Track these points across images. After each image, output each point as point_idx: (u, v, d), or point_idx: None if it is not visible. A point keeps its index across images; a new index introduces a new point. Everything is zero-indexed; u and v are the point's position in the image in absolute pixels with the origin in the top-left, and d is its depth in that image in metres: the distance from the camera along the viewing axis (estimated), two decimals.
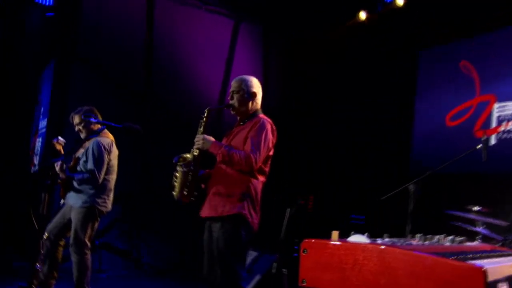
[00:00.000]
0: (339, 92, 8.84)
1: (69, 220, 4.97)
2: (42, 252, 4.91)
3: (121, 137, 5.12)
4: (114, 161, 5.19)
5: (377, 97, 8.37)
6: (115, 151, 5.20)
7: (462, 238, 3.09)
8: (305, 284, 2.42)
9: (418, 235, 2.93)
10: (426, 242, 2.75)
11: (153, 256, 7.64)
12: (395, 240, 2.63)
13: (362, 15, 8.25)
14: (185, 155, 3.79)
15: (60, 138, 5.11)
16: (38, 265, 4.80)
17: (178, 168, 3.77)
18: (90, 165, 4.96)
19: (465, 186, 6.72)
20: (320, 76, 9.00)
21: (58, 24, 7.74)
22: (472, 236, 4.34)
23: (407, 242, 2.61)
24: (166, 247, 7.75)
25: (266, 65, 9.31)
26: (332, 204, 8.28)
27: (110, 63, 7.71)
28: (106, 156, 5.03)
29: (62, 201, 5.18)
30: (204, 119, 3.85)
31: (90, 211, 4.92)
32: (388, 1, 7.86)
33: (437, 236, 2.93)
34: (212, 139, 3.74)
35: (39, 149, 7.87)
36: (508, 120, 6.75)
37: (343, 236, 2.63)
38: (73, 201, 4.97)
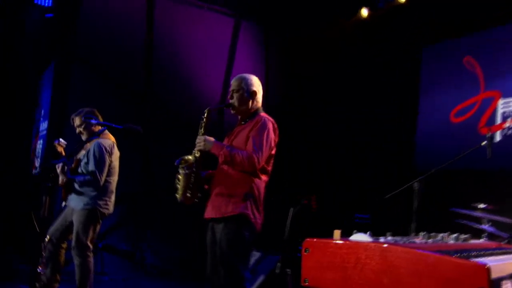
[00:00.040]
0: (341, 90, 8.83)
1: (71, 223, 4.98)
2: (45, 255, 4.93)
3: (122, 138, 5.14)
4: (116, 163, 5.20)
5: (380, 95, 8.36)
6: (116, 153, 5.21)
7: (466, 236, 3.08)
8: (307, 283, 2.43)
9: (421, 233, 2.93)
10: (430, 240, 2.75)
11: (157, 258, 7.64)
12: (397, 238, 2.64)
13: (364, 12, 8.25)
14: (186, 157, 3.79)
15: (61, 139, 5.13)
16: (41, 268, 4.83)
17: (180, 171, 3.77)
18: (91, 167, 4.96)
19: (470, 183, 6.71)
20: (322, 75, 8.99)
21: (57, 25, 7.76)
22: (478, 234, 4.32)
23: (410, 240, 2.61)
24: (169, 248, 7.75)
25: (267, 64, 9.30)
26: (336, 204, 8.27)
27: (110, 63, 7.72)
28: (108, 158, 5.04)
29: (63, 203, 5.20)
30: (204, 119, 3.85)
31: (91, 213, 4.93)
32: None
33: (441, 234, 2.93)
34: (213, 140, 3.73)
35: (40, 151, 7.90)
36: None
37: (346, 235, 2.64)
38: (75, 204, 4.99)
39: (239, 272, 3.61)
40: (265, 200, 3.81)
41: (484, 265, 2.06)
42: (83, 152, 5.16)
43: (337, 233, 2.53)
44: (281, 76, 9.45)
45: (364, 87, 8.56)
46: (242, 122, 3.91)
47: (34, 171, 7.92)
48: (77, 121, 5.17)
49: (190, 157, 3.79)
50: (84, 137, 5.15)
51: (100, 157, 4.98)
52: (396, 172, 7.77)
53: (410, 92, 8.05)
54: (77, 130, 5.20)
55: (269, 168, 3.85)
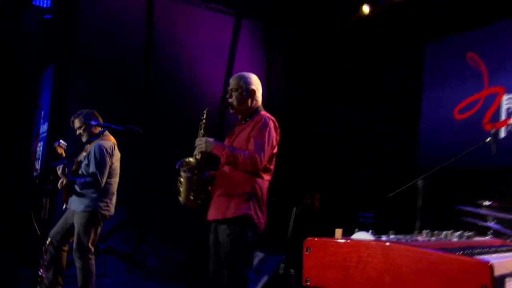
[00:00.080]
0: (344, 89, 8.82)
1: (72, 225, 4.99)
2: (46, 258, 4.94)
3: (122, 139, 5.15)
4: (117, 164, 5.20)
5: (383, 92, 8.35)
6: (117, 154, 5.22)
7: (470, 233, 3.09)
8: (309, 283, 2.43)
9: (424, 231, 2.93)
10: (433, 238, 2.75)
11: (159, 260, 7.65)
12: (400, 236, 2.64)
13: (366, 9, 8.24)
14: (187, 159, 3.78)
15: (61, 141, 5.14)
16: (42, 272, 4.85)
17: (182, 174, 3.76)
18: (92, 169, 4.97)
19: (475, 180, 6.70)
20: (325, 74, 8.98)
21: (56, 26, 7.77)
22: (483, 231, 4.32)
23: (412, 239, 2.61)
24: (171, 250, 7.76)
25: (269, 63, 9.30)
26: (340, 203, 8.27)
27: (109, 63, 7.74)
28: (108, 159, 5.05)
29: (64, 205, 5.21)
30: (204, 120, 3.84)
31: (92, 216, 4.94)
32: None
33: (445, 232, 2.93)
34: (214, 141, 3.73)
35: (40, 153, 7.91)
36: None
37: (350, 234, 2.64)
38: (76, 206, 4.99)
39: (243, 272, 3.60)
40: (269, 199, 3.81)
41: (487, 262, 2.06)
42: (83, 154, 5.17)
43: (338, 232, 2.53)
44: (285, 76, 9.44)
45: (367, 85, 8.55)
46: (243, 122, 3.88)
47: (35, 174, 7.94)
48: (76, 123, 5.18)
49: (191, 159, 3.77)
50: (84, 139, 5.15)
51: (101, 158, 4.99)
52: (400, 170, 7.76)
53: (413, 89, 8.04)
54: (77, 132, 5.22)
55: (272, 167, 3.83)
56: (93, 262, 4.96)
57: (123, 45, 7.80)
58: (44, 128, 7.88)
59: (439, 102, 7.66)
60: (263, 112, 3.88)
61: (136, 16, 8.04)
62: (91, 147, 5.08)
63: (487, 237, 3.90)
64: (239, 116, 3.95)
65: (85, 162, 5.06)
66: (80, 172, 5.10)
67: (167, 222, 7.63)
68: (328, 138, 8.90)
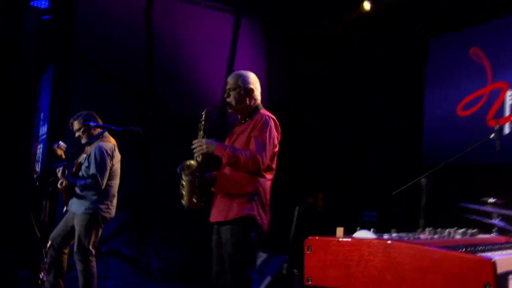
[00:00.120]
0: (345, 87, 8.81)
1: (73, 228, 4.99)
2: (47, 261, 4.95)
3: (122, 139, 5.15)
4: (117, 166, 5.20)
5: (385, 89, 8.35)
6: (117, 156, 5.22)
7: (474, 230, 3.08)
8: (310, 282, 2.43)
9: (427, 229, 2.93)
10: (436, 236, 2.74)
11: (161, 261, 7.66)
12: (402, 235, 2.63)
13: (366, 5, 8.23)
14: (188, 163, 3.77)
15: (61, 143, 5.14)
16: (43, 275, 4.86)
17: (183, 177, 3.76)
18: (92, 171, 4.97)
19: (479, 177, 6.68)
20: (326, 73, 8.97)
21: (55, 27, 7.78)
22: (488, 228, 4.31)
23: (414, 237, 2.61)
24: (173, 251, 7.76)
25: (268, 62, 9.31)
26: (343, 202, 8.26)
27: (110, 63, 7.75)
28: (109, 161, 5.05)
29: (65, 208, 5.21)
30: (203, 122, 3.84)
31: (93, 218, 4.93)
32: None
33: (448, 230, 2.93)
34: (214, 141, 3.72)
35: (40, 156, 7.93)
36: None
37: (352, 233, 2.64)
38: (76, 208, 4.99)
39: (246, 273, 3.61)
40: (271, 199, 3.81)
41: (489, 259, 2.05)
42: (84, 155, 5.17)
43: (339, 230, 2.53)
44: (285, 75, 9.44)
45: (369, 83, 8.55)
46: (242, 121, 3.87)
47: (35, 176, 7.96)
48: (76, 125, 5.18)
49: (192, 162, 3.77)
50: (83, 141, 5.15)
51: (101, 160, 4.99)
52: (403, 168, 7.76)
53: (415, 86, 8.03)
54: (76, 134, 5.22)
55: (274, 165, 3.83)
56: (94, 264, 4.96)
57: (124, 45, 7.81)
58: (43, 130, 7.89)
59: (442, 98, 7.64)
60: (263, 111, 3.87)
61: (137, 15, 8.05)
62: (91, 149, 5.08)
63: (492, 234, 3.89)
64: (239, 116, 3.94)
65: (86, 164, 5.07)
66: (80, 174, 5.10)
67: (169, 223, 7.63)
68: (330, 137, 8.89)
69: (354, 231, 2.68)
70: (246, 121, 3.84)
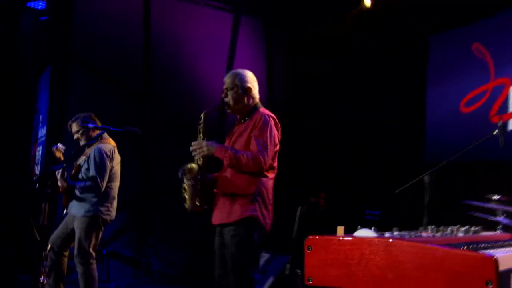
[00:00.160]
0: (347, 85, 8.81)
1: (73, 230, 5.00)
2: (47, 264, 4.96)
3: (121, 140, 5.16)
4: (117, 167, 5.21)
5: (386, 88, 8.34)
6: (117, 157, 5.22)
7: (477, 228, 3.08)
8: (311, 282, 2.43)
9: (430, 227, 2.93)
10: (438, 234, 2.75)
11: (162, 263, 7.67)
12: (404, 233, 2.63)
13: (367, 2, 8.23)
14: (189, 166, 3.76)
15: (59, 145, 5.15)
16: (43, 278, 4.87)
17: (185, 181, 3.76)
18: (92, 173, 4.98)
19: (482, 174, 6.68)
20: (328, 72, 8.97)
21: (52, 28, 7.79)
22: (492, 226, 4.31)
23: (416, 235, 2.61)
24: (175, 252, 7.77)
25: (270, 62, 9.31)
26: (345, 201, 8.27)
27: (108, 64, 7.76)
28: (108, 163, 5.05)
29: (65, 210, 5.22)
30: (202, 124, 3.82)
31: (93, 220, 4.94)
32: None
33: (450, 227, 2.93)
34: (215, 143, 3.70)
35: (40, 158, 7.94)
36: None
37: (353, 231, 2.64)
38: (76, 210, 5.00)
39: (249, 274, 3.61)
40: (274, 198, 3.80)
41: (491, 256, 2.06)
42: (83, 158, 5.18)
43: (340, 229, 2.53)
44: (287, 74, 9.45)
45: (370, 81, 8.55)
46: (242, 121, 3.85)
47: (34, 178, 7.97)
48: (74, 127, 5.19)
49: (193, 165, 3.76)
50: (82, 143, 5.16)
51: (101, 162, 4.99)
52: (406, 166, 7.75)
53: (417, 84, 8.02)
54: (75, 136, 5.22)
55: (275, 165, 3.81)
56: (94, 267, 4.97)
57: (123, 45, 7.82)
58: (42, 132, 7.90)
59: (444, 95, 7.64)
60: (262, 109, 3.85)
61: (135, 16, 8.06)
62: (90, 151, 5.09)
63: (497, 232, 3.89)
64: (237, 116, 3.92)
65: (85, 166, 5.07)
66: (80, 176, 5.10)
67: (170, 225, 7.63)
68: (331, 136, 8.89)
69: (355, 230, 2.68)
70: (245, 121, 3.82)
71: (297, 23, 9.18)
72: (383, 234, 2.50)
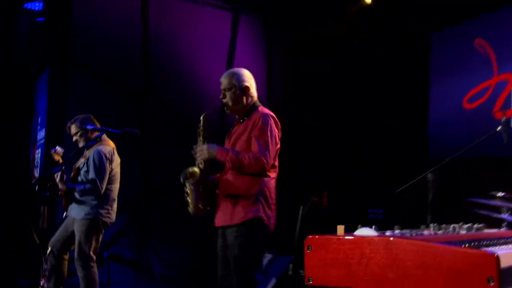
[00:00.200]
0: (349, 84, 8.81)
1: (72, 233, 5.00)
2: (47, 267, 4.97)
3: (120, 141, 5.16)
4: (117, 169, 5.21)
5: (388, 86, 8.34)
6: (117, 159, 5.22)
7: (480, 225, 3.08)
8: (311, 282, 2.43)
9: (432, 225, 2.93)
10: (440, 232, 2.74)
11: (164, 265, 7.67)
12: (405, 231, 2.63)
13: None
14: (191, 170, 3.76)
15: (58, 148, 5.14)
16: (43, 282, 4.88)
17: (187, 185, 3.76)
18: (91, 175, 4.97)
19: (486, 171, 6.67)
20: (329, 71, 8.97)
21: (49, 29, 7.79)
22: (498, 223, 4.31)
23: (418, 233, 2.61)
24: (176, 254, 7.77)
25: (270, 61, 9.32)
26: (348, 200, 8.26)
27: (107, 65, 7.76)
28: (108, 165, 5.05)
29: (64, 213, 5.23)
30: (201, 127, 3.82)
31: (93, 223, 4.94)
32: None
33: (453, 225, 2.93)
34: (216, 146, 3.70)
35: (39, 161, 7.95)
36: None
37: (353, 230, 2.64)
38: (76, 213, 5.00)
39: (252, 275, 3.61)
40: (277, 198, 3.81)
41: (492, 254, 2.06)
42: (82, 160, 5.18)
43: (340, 228, 2.53)
44: (287, 74, 9.46)
45: (372, 79, 8.55)
46: (241, 121, 3.85)
47: (33, 181, 7.97)
48: (73, 129, 5.19)
49: (195, 169, 3.76)
50: (81, 145, 5.15)
51: (100, 164, 4.99)
52: (409, 165, 7.75)
53: (419, 82, 8.02)
54: (74, 138, 5.22)
55: (276, 163, 3.81)
56: (95, 270, 4.97)
57: (122, 45, 7.83)
58: (41, 134, 7.91)
59: (447, 92, 7.63)
60: (261, 108, 3.84)
61: (133, 15, 8.07)
62: (89, 153, 5.09)
63: (501, 229, 3.89)
64: (236, 116, 3.92)
65: (84, 168, 5.07)
66: (79, 179, 5.10)
67: (171, 226, 7.64)
68: (333, 135, 8.89)
69: (356, 229, 2.69)
70: (244, 121, 3.81)
71: (297, 23, 9.18)
72: (384, 233, 2.50)
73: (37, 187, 4.62)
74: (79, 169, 5.14)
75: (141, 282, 7.37)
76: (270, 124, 3.71)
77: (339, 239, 2.41)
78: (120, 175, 5.25)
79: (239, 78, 3.84)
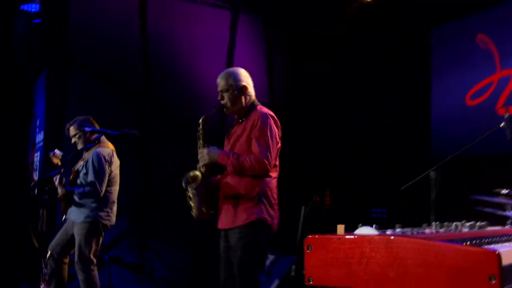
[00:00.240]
0: (350, 82, 8.82)
1: (72, 236, 5.00)
2: (47, 271, 4.97)
3: (120, 143, 5.16)
4: (116, 172, 5.20)
5: (390, 83, 8.34)
6: (116, 161, 5.22)
7: (483, 223, 3.07)
8: (311, 282, 2.43)
9: (434, 223, 2.93)
10: (441, 230, 2.74)
11: (165, 267, 7.67)
12: (406, 230, 2.63)
13: None
14: (192, 174, 3.77)
15: (56, 151, 5.15)
16: (44, 286, 4.88)
17: (189, 190, 3.77)
18: (90, 178, 4.97)
19: (490, 168, 6.67)
20: (329, 71, 8.98)
21: (46, 31, 7.80)
22: (502, 221, 4.31)
23: (419, 231, 2.61)
24: (177, 255, 7.78)
25: (270, 61, 9.32)
26: (351, 199, 8.27)
27: (106, 65, 7.78)
28: (107, 168, 5.05)
29: (64, 216, 5.23)
30: (201, 130, 3.82)
31: (93, 226, 4.94)
32: None
33: (455, 223, 2.93)
34: (216, 150, 3.71)
35: (38, 164, 7.95)
36: None
37: (354, 230, 2.64)
38: (75, 216, 5.00)
39: (255, 277, 3.61)
40: (279, 198, 3.81)
41: (494, 251, 2.05)
42: (81, 162, 5.18)
43: (340, 228, 2.53)
44: (287, 74, 9.47)
45: (373, 78, 8.56)
46: (240, 121, 3.84)
47: (32, 184, 7.96)
48: (71, 131, 5.19)
49: (196, 173, 3.77)
50: (79, 147, 5.14)
51: (99, 167, 4.99)
52: (411, 163, 7.74)
53: (420, 79, 8.02)
54: (73, 140, 5.22)
55: (277, 163, 3.81)
56: (96, 273, 4.98)
57: (121, 45, 7.84)
58: (40, 137, 7.92)
59: (449, 89, 7.63)
60: (259, 107, 3.84)
61: (131, 15, 8.08)
62: (88, 155, 5.09)
63: (506, 226, 3.88)
64: (235, 116, 3.91)
65: (84, 171, 5.07)
66: (78, 181, 5.10)
67: (172, 228, 7.64)
68: (334, 135, 8.90)
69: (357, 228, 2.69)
70: (243, 121, 3.81)
71: (297, 23, 9.19)
72: (385, 232, 2.51)
73: (36, 190, 4.61)
74: (78, 171, 5.14)
75: (142, 285, 7.38)
76: (270, 124, 3.70)
77: (339, 238, 2.41)
78: (120, 176, 5.25)
79: (236, 78, 3.83)
